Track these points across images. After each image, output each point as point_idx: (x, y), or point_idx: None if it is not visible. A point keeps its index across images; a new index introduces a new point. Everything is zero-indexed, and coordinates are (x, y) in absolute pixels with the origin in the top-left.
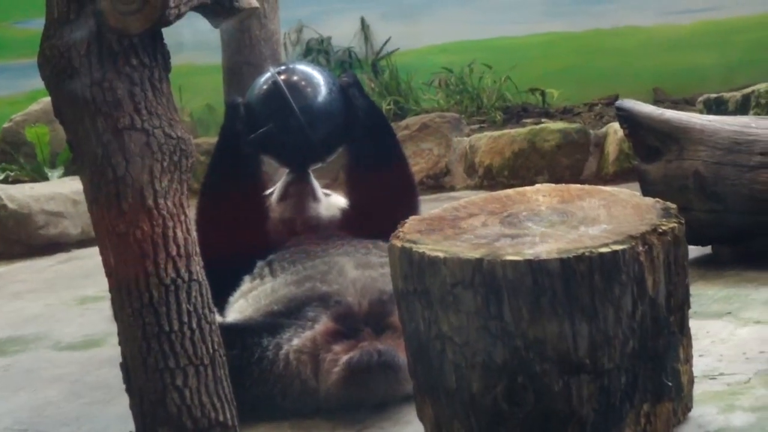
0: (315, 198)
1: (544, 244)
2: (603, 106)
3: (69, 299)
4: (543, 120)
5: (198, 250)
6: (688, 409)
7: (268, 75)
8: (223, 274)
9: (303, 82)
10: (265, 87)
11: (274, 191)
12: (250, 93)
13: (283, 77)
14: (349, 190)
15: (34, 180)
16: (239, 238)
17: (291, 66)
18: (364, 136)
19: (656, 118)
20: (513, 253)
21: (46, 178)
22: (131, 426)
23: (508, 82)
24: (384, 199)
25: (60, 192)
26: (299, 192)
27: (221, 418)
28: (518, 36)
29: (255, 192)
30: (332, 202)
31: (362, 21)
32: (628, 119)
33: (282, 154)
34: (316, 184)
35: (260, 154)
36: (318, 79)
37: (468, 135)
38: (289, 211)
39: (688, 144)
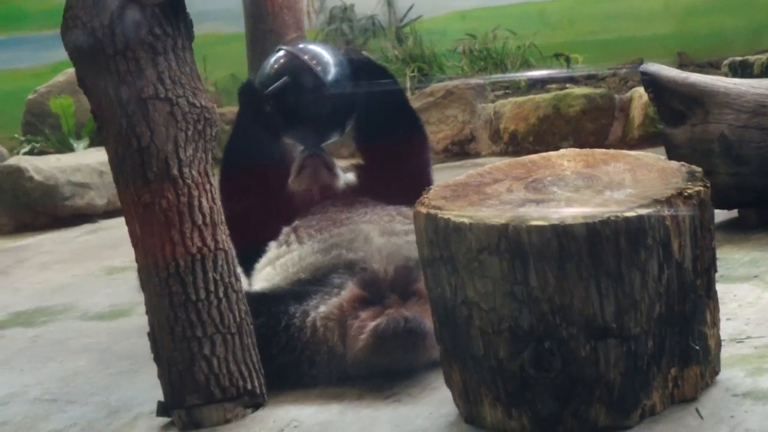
0: (330, 169)
1: (570, 209)
2: (628, 71)
3: (96, 270)
4: (567, 85)
5: (223, 218)
6: (716, 372)
7: (279, 53)
8: (249, 241)
9: (312, 58)
10: (277, 62)
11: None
12: (261, 73)
13: (292, 50)
14: (360, 142)
15: (59, 151)
16: (263, 204)
17: (300, 45)
18: (368, 86)
19: (681, 82)
20: (538, 218)
21: (71, 150)
22: (160, 395)
23: (532, 47)
24: (392, 141)
25: (86, 163)
26: (314, 164)
27: (249, 386)
28: (542, 1)
29: (277, 157)
30: (348, 177)
31: None
32: (653, 83)
33: (301, 119)
34: (330, 157)
35: (279, 124)
36: (326, 54)
37: (492, 101)
38: (306, 182)
39: (713, 107)
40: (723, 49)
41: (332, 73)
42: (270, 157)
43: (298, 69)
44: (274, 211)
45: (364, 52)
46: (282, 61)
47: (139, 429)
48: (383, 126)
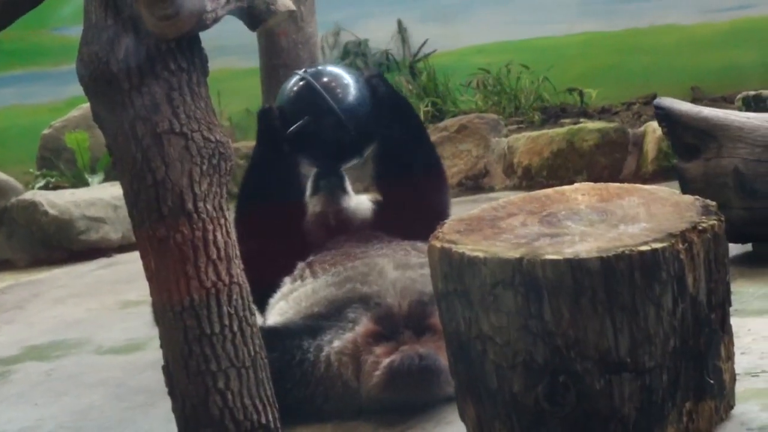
0: (345, 190)
1: (584, 243)
2: (641, 105)
3: (111, 304)
4: (581, 120)
5: (238, 252)
6: (731, 406)
7: (296, 78)
8: (264, 275)
9: (332, 81)
10: (296, 89)
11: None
12: (280, 97)
13: (311, 77)
14: (379, 175)
15: (74, 186)
16: (279, 239)
17: (318, 68)
18: (390, 121)
19: (694, 116)
20: (553, 252)
21: (86, 184)
22: (174, 429)
23: (545, 82)
24: (412, 177)
25: (100, 197)
26: (329, 185)
27: (263, 420)
28: (555, 36)
29: (294, 192)
30: (362, 199)
31: (399, 23)
32: (667, 117)
33: (319, 151)
34: (346, 178)
35: (297, 154)
36: (345, 76)
37: (506, 136)
38: (321, 204)
39: (726, 142)
40: (736, 84)
41: (351, 101)
42: (287, 191)
43: (317, 101)
44: (289, 245)
45: (386, 78)
46: (301, 90)
47: None
48: (402, 161)
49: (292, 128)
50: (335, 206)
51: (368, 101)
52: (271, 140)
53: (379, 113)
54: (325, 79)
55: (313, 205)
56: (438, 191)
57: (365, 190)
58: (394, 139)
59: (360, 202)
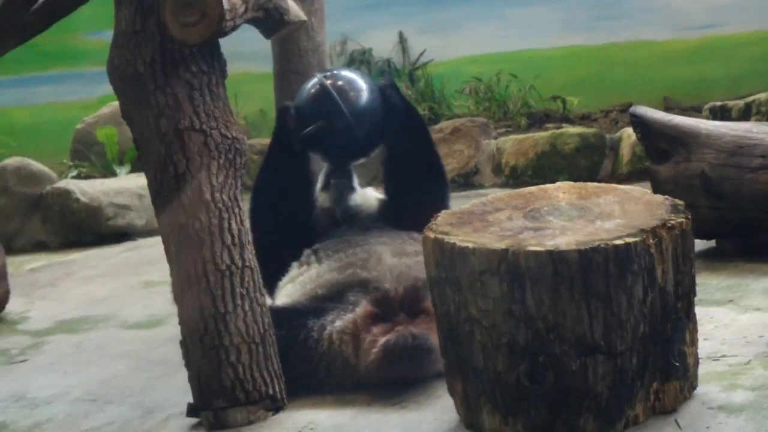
0: (353, 189)
1: (564, 237)
2: (618, 113)
3: (135, 283)
4: (563, 125)
5: (250, 239)
6: (694, 387)
7: (314, 80)
8: (274, 261)
9: (347, 85)
10: (312, 91)
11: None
12: (298, 97)
13: (329, 81)
14: (387, 178)
15: (103, 176)
16: (288, 229)
17: (335, 72)
18: (401, 129)
19: (666, 124)
20: (535, 244)
21: (114, 175)
22: (190, 397)
23: (532, 90)
24: (418, 181)
25: (127, 187)
26: (339, 183)
27: (271, 391)
28: (542, 49)
29: (304, 185)
30: (368, 194)
31: (400, 34)
32: (641, 124)
33: (329, 150)
34: (354, 176)
35: (309, 151)
36: (360, 82)
37: (495, 138)
38: (330, 201)
39: (695, 147)
40: (704, 95)
41: (363, 106)
42: (297, 185)
43: (330, 104)
44: (297, 234)
45: (398, 87)
46: (317, 92)
47: (171, 428)
48: (409, 166)
49: (305, 132)
50: (342, 206)
51: (379, 107)
52: (285, 138)
53: (390, 120)
54: (340, 83)
55: (322, 199)
56: (440, 194)
57: (368, 184)
58: (403, 145)
59: (366, 197)
